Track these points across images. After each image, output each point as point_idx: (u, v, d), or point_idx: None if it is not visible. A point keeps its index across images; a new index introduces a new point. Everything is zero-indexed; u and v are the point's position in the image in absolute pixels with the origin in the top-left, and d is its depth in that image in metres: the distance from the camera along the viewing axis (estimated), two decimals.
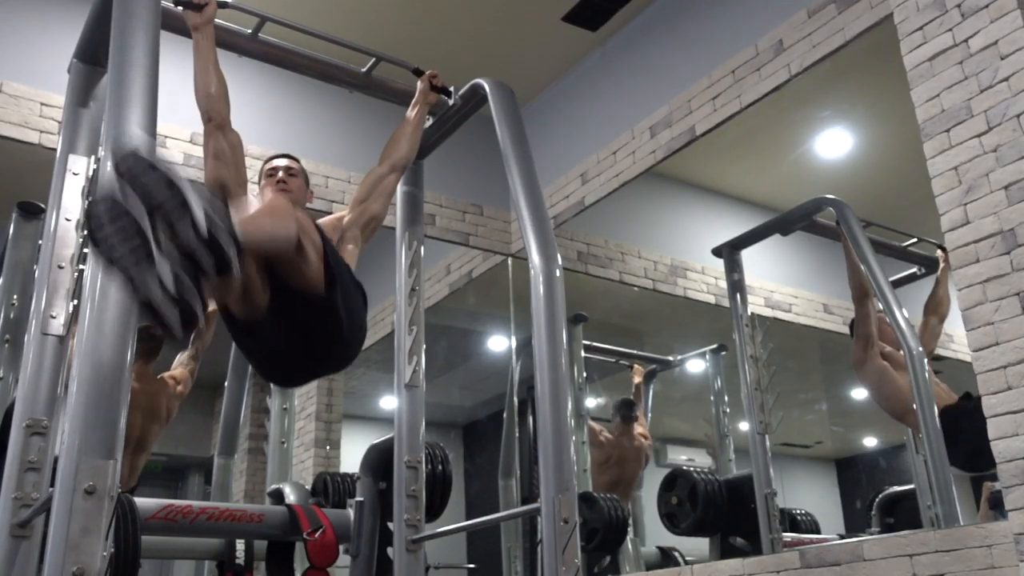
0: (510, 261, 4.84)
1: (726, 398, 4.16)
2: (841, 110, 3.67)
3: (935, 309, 3.33)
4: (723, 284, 3.87)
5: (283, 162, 2.59)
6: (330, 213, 4.22)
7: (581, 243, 4.61)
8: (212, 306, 4.04)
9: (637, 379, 4.58)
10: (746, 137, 3.87)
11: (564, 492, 1.88)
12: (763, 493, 3.37)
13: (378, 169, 2.62)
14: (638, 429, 4.49)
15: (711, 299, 4.23)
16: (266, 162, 2.63)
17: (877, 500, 3.44)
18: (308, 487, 3.40)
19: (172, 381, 3.77)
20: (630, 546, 4.02)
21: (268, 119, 4.28)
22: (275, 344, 2.07)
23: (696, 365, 4.52)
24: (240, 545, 3.00)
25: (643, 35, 4.39)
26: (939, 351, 3.33)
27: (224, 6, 2.41)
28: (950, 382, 3.22)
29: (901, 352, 3.30)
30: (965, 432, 2.85)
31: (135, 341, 1.54)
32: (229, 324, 2.09)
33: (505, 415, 4.60)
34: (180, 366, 3.86)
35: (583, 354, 4.47)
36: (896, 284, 3.31)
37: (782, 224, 3.68)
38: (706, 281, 4.28)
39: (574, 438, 2.67)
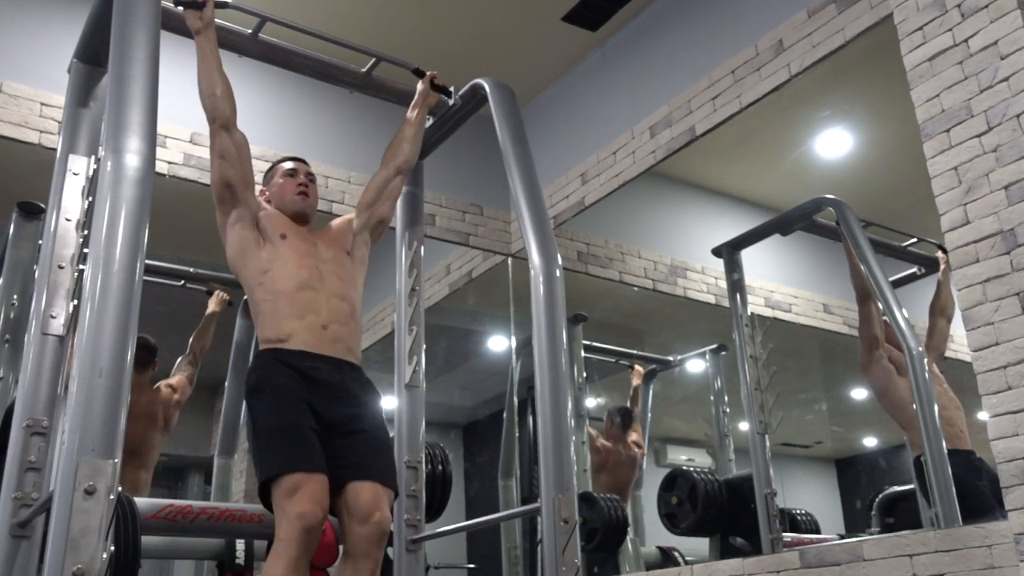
0: (510, 261, 4.84)
1: (726, 398, 4.16)
2: (841, 110, 3.67)
3: (941, 311, 3.32)
4: (723, 284, 3.87)
5: (304, 167, 2.58)
6: (329, 213, 4.23)
7: (581, 243, 4.61)
8: (212, 308, 4.03)
9: (636, 381, 4.58)
10: (746, 137, 3.87)
11: (564, 492, 1.88)
12: (763, 493, 3.36)
13: (382, 172, 2.63)
14: (632, 436, 4.49)
15: (711, 299, 4.23)
16: (279, 162, 2.60)
17: (877, 500, 3.44)
18: None
19: (168, 389, 3.76)
20: (630, 546, 4.01)
21: (268, 119, 4.28)
22: None
23: (696, 365, 4.52)
24: (240, 545, 3.00)
25: (643, 35, 4.38)
26: None
27: (224, 6, 2.41)
28: (950, 382, 3.22)
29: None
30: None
31: (135, 341, 1.54)
32: None
33: (505, 415, 4.60)
34: (179, 372, 3.85)
35: (583, 354, 4.47)
36: (896, 284, 3.31)
37: (782, 224, 3.68)
38: (706, 281, 4.28)
39: (574, 438, 2.67)
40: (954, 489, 2.82)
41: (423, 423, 2.62)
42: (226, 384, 3.90)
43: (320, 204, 4.17)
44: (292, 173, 2.54)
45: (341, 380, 2.25)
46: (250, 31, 2.53)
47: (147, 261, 1.62)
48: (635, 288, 4.50)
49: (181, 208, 3.84)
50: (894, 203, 3.65)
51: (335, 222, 2.60)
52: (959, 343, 3.06)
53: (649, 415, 4.62)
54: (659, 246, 4.52)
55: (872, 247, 3.27)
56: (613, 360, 4.75)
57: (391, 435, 2.36)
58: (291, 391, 2.15)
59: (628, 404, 4.56)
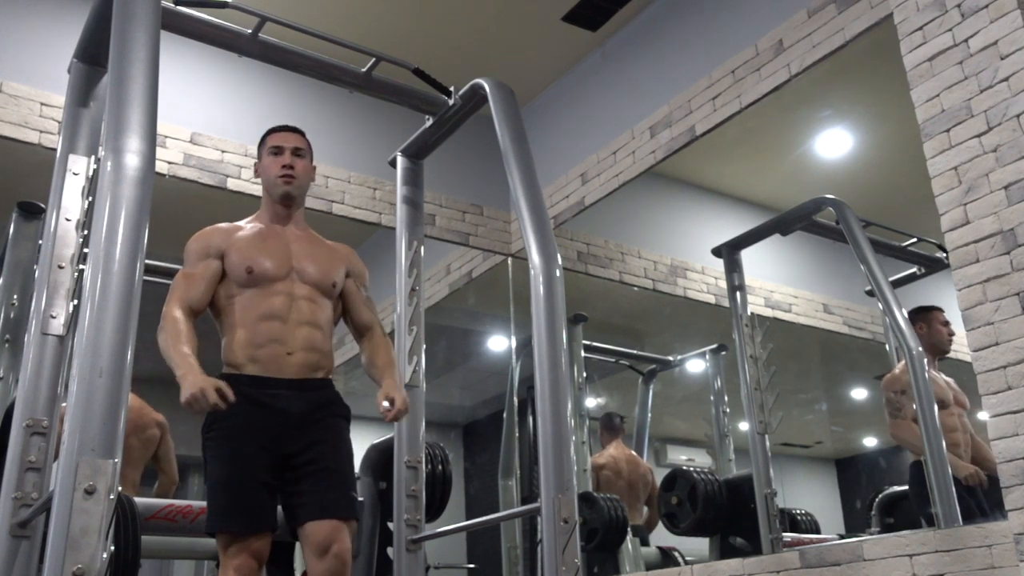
0: (510, 261, 4.84)
1: (726, 398, 4.16)
2: (841, 110, 3.67)
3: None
4: (723, 284, 3.87)
5: (291, 140, 2.40)
6: (330, 214, 4.23)
7: (581, 243, 4.61)
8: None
9: None
10: (746, 137, 3.87)
11: (564, 492, 1.88)
12: (763, 493, 3.37)
13: (362, 333, 2.43)
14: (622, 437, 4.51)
15: (711, 299, 4.23)
16: (268, 134, 2.46)
17: (877, 500, 3.44)
18: None
19: (153, 416, 3.74)
20: (630, 546, 4.01)
21: (268, 119, 4.27)
22: None
23: (696, 365, 4.52)
24: None
25: (643, 35, 4.39)
26: None
27: (224, 6, 2.41)
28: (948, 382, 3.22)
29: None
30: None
31: (135, 341, 1.54)
32: None
33: (505, 415, 4.60)
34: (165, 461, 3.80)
35: (583, 354, 4.47)
36: (896, 284, 3.31)
37: (782, 224, 3.68)
38: (706, 281, 4.28)
39: (574, 438, 2.67)
40: (954, 492, 2.83)
41: (423, 423, 2.62)
42: None
43: (320, 204, 4.19)
44: (278, 151, 2.39)
45: (303, 406, 2.19)
46: (250, 31, 2.53)
47: (147, 261, 1.62)
48: (635, 288, 4.50)
49: (181, 208, 3.84)
50: (894, 203, 3.65)
51: (339, 248, 2.46)
52: (959, 343, 3.06)
53: (649, 415, 4.62)
54: (659, 246, 4.52)
55: (872, 247, 3.28)
56: (613, 360, 4.76)
57: (354, 464, 2.30)
58: (243, 435, 2.13)
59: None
